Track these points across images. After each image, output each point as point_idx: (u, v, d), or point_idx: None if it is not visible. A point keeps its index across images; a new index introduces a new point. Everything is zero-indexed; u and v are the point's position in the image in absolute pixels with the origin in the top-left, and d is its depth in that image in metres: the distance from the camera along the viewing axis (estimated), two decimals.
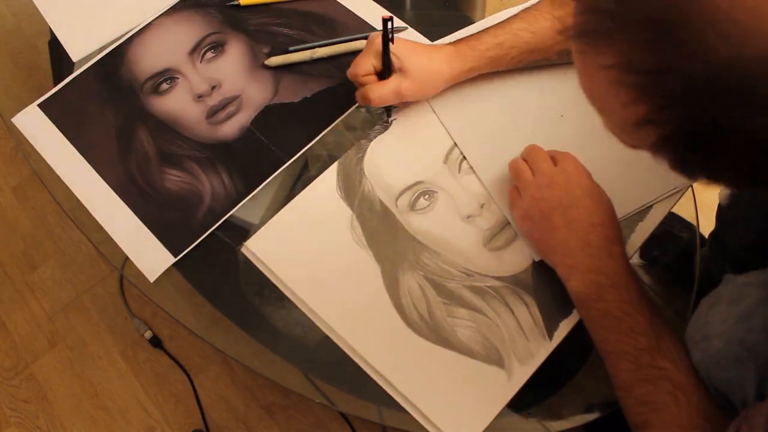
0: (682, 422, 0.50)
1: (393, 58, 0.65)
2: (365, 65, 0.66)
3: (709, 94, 0.32)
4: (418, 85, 0.66)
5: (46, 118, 0.76)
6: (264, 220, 0.67)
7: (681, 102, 0.34)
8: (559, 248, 0.58)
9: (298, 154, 0.71)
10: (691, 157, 0.37)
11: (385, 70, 0.65)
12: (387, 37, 0.63)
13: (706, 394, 0.51)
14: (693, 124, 0.34)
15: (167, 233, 0.68)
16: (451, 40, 0.69)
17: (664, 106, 0.34)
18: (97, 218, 0.69)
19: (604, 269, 0.56)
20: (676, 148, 0.36)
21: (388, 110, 0.70)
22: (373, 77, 0.67)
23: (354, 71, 0.67)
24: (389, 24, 0.62)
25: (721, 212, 0.78)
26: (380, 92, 0.65)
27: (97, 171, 0.72)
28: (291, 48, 0.76)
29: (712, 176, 0.38)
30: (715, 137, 0.34)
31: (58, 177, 0.73)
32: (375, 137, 0.70)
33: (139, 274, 0.66)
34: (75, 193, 0.71)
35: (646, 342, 0.53)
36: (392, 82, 0.65)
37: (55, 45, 0.82)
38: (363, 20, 0.79)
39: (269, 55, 0.77)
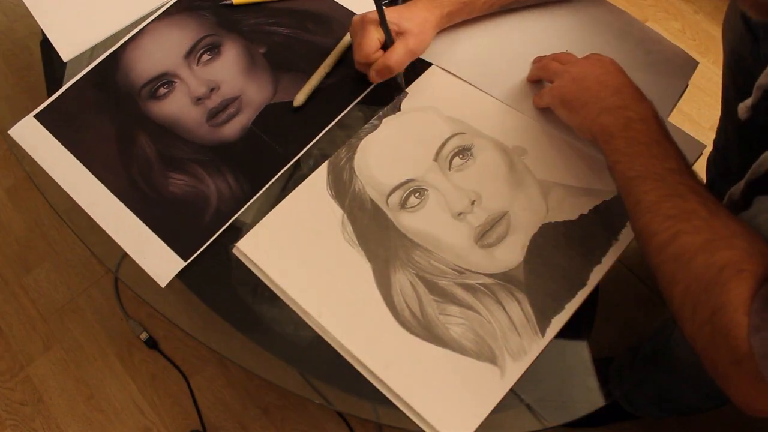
0: (716, 227, 0.48)
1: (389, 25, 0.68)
2: (372, 42, 0.68)
3: None
4: (420, 38, 0.69)
5: (44, 128, 0.76)
6: (256, 219, 0.67)
7: None
8: (591, 101, 0.61)
9: (303, 151, 0.71)
10: None
11: (388, 38, 0.68)
12: (381, 6, 0.66)
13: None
14: None
15: (176, 238, 0.68)
16: None
17: None
18: (104, 227, 0.69)
19: (634, 107, 0.59)
20: None
21: (398, 83, 0.73)
22: (381, 52, 0.69)
23: (365, 52, 0.68)
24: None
25: (712, 166, 0.78)
26: (396, 57, 0.68)
27: (99, 179, 0.72)
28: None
29: None
30: None
31: (50, 179, 0.72)
32: (365, 136, 0.70)
33: (134, 276, 0.66)
34: (79, 203, 0.71)
35: (676, 164, 0.54)
36: (400, 44, 0.68)
37: (46, 46, 0.82)
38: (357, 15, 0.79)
39: (266, 55, 0.78)
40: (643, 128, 0.57)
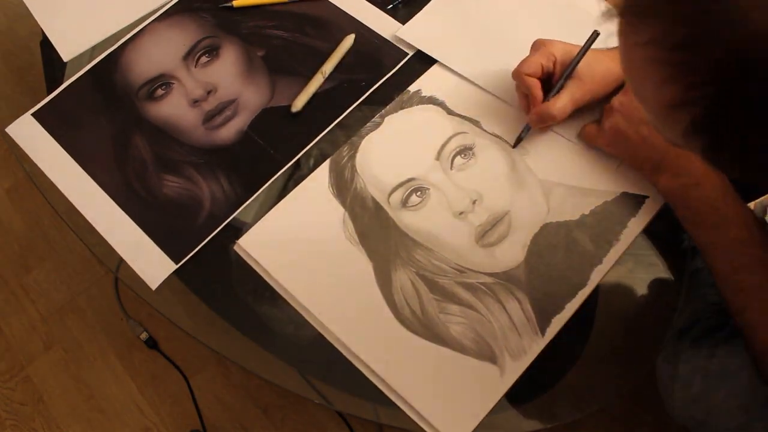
0: None
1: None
2: (533, 64, 0.64)
3: (740, 69, 0.32)
4: (590, 88, 0.64)
5: (41, 127, 0.76)
6: (257, 219, 0.67)
7: (711, 79, 0.34)
8: (649, 155, 0.61)
9: (297, 157, 0.71)
10: (722, 144, 0.37)
11: (559, 82, 0.64)
12: (588, 46, 0.63)
13: None
14: (724, 105, 0.34)
15: (168, 240, 0.68)
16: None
17: (696, 84, 0.34)
18: (97, 227, 0.69)
19: (688, 169, 0.58)
20: (707, 134, 0.36)
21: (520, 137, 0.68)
22: (536, 80, 0.65)
23: (520, 69, 0.65)
24: (594, 37, 0.64)
25: None
26: (560, 105, 0.64)
27: (94, 179, 0.72)
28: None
29: (746, 170, 0.39)
30: (747, 120, 0.34)
31: (50, 180, 0.72)
32: (367, 134, 0.70)
33: (134, 276, 0.66)
34: (73, 202, 0.71)
35: (737, 232, 0.56)
36: (566, 93, 0.64)
37: (46, 46, 0.82)
38: (356, 20, 0.79)
39: (264, 58, 0.78)
40: (699, 195, 0.58)
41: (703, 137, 0.37)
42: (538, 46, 0.66)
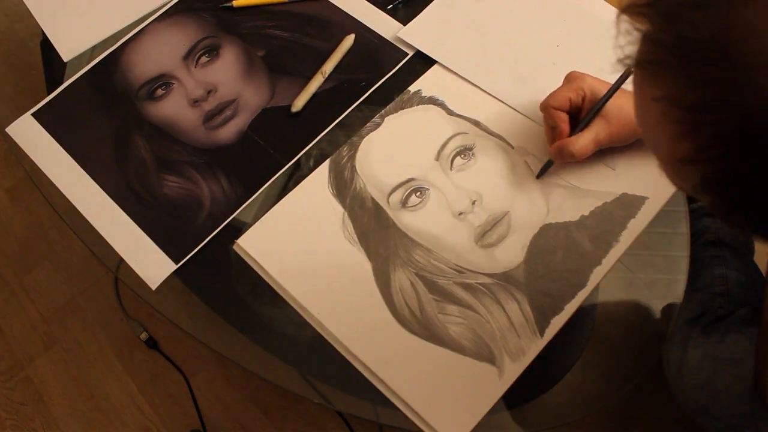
0: None
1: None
2: (561, 98, 0.63)
3: (752, 135, 0.32)
4: (617, 130, 0.62)
5: (41, 127, 0.76)
6: (257, 219, 0.67)
7: (723, 142, 0.33)
8: None
9: (297, 157, 0.71)
10: (731, 203, 0.36)
11: (585, 119, 0.62)
12: (618, 86, 0.61)
13: None
14: (735, 167, 0.33)
15: (167, 240, 0.68)
16: None
17: (708, 145, 0.34)
18: (97, 227, 0.69)
19: None
20: (717, 192, 0.36)
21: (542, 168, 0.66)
22: (564, 114, 0.63)
23: (548, 102, 0.63)
24: (626, 77, 0.59)
25: None
26: (582, 143, 0.62)
27: (94, 179, 0.72)
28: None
29: (755, 229, 0.38)
30: (759, 183, 0.33)
31: (50, 180, 0.72)
32: (367, 134, 0.70)
33: (134, 276, 0.66)
34: (73, 202, 0.71)
35: None
36: (592, 131, 0.62)
37: (46, 46, 0.82)
38: (356, 20, 0.80)
39: (264, 58, 0.78)
40: None
41: (713, 194, 0.36)
42: (570, 79, 0.64)
